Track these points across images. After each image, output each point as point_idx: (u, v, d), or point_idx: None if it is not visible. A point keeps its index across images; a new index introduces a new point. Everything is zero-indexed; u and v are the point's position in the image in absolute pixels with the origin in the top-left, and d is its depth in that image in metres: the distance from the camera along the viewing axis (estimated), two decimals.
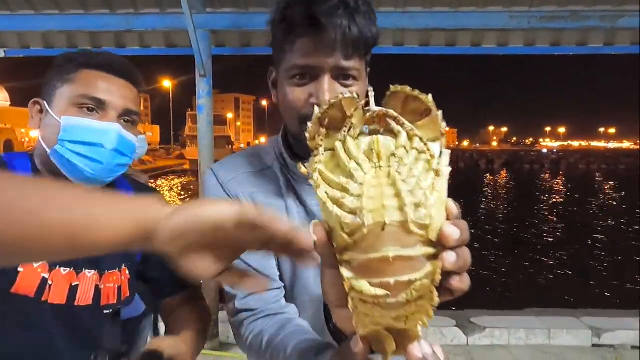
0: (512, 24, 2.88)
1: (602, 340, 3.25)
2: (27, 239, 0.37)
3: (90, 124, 0.80)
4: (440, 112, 0.35)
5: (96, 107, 0.81)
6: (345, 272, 0.34)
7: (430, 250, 0.34)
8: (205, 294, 3.42)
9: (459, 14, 2.92)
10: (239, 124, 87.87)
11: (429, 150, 0.35)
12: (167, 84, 50.48)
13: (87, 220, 0.38)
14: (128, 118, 0.86)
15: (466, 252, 0.36)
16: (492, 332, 3.30)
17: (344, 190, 0.34)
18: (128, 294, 0.87)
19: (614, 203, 15.88)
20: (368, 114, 0.36)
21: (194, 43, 2.84)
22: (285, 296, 0.80)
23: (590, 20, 2.84)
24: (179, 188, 20.63)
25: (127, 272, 0.87)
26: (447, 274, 0.35)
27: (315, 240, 0.36)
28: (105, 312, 0.82)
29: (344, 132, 0.36)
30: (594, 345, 3.24)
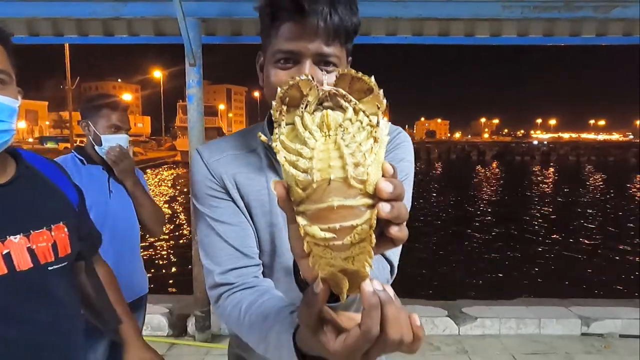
0: (505, 14, 2.87)
1: (591, 329, 3.30)
2: None
3: None
4: (381, 91, 0.43)
5: None
6: (301, 221, 0.42)
7: (369, 201, 0.41)
8: (197, 285, 3.37)
9: (452, 3, 2.89)
10: (230, 115, 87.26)
11: (370, 121, 0.42)
12: (157, 74, 49.88)
13: None
14: None
15: (401, 205, 0.42)
16: (483, 322, 3.33)
17: (299, 154, 0.42)
18: (69, 251, 0.87)
19: (602, 194, 16.08)
20: (321, 93, 0.43)
21: (183, 31, 2.78)
22: (263, 272, 0.83)
23: (583, 10, 2.83)
24: (170, 180, 20.48)
25: (66, 229, 0.87)
26: (388, 224, 0.43)
27: (276, 195, 0.43)
28: (49, 269, 0.83)
29: (302, 108, 0.43)
30: (583, 334, 3.29)
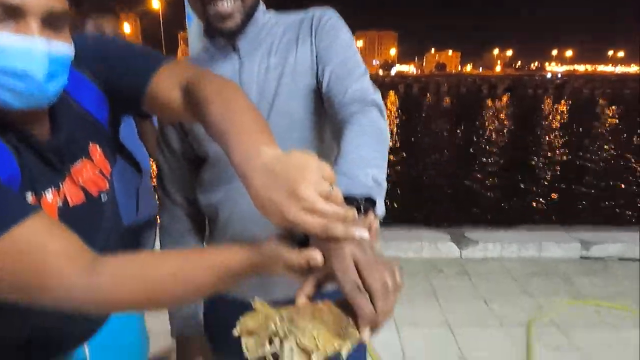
0: None
1: (591, 253, 3.38)
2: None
3: (4, 43, 0.54)
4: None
5: (7, 15, 0.55)
6: None
7: None
8: None
9: None
10: None
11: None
12: (156, 5, 47.66)
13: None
14: (55, 23, 0.59)
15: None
16: (486, 245, 3.41)
17: None
18: (110, 168, 0.77)
19: (612, 128, 15.78)
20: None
21: None
22: (216, 232, 0.96)
23: None
24: None
25: (99, 147, 0.75)
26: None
27: None
28: (103, 200, 0.75)
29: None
30: (582, 257, 3.37)
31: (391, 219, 4.03)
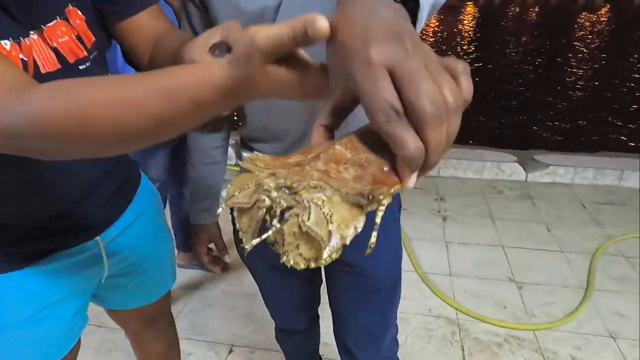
0: None
1: None
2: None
3: None
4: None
5: None
6: None
7: None
8: None
9: None
10: None
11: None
12: None
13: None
14: None
15: None
16: (556, 169, 3.13)
17: None
18: (93, 38, 0.71)
19: None
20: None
21: None
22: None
23: None
24: None
25: (80, 12, 0.68)
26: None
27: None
28: (81, 67, 0.69)
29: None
30: None
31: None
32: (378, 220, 0.30)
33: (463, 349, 1.77)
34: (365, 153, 0.33)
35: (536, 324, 1.89)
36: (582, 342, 1.80)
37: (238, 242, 1.05)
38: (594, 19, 19.11)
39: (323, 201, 0.29)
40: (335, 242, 0.29)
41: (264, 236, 0.31)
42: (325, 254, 0.29)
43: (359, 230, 0.29)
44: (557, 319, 1.91)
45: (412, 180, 0.30)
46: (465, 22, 16.75)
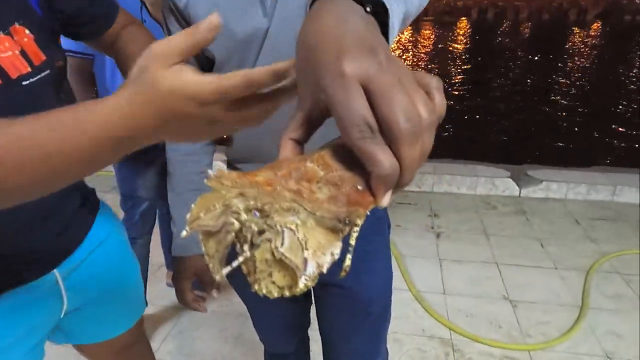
0: None
1: None
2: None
3: None
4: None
5: None
6: None
7: None
8: None
9: None
10: None
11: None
12: None
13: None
14: None
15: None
16: (549, 185, 3.13)
17: None
18: (44, 57, 0.69)
19: None
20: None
21: None
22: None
23: None
24: None
25: (28, 31, 0.68)
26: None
27: None
28: (24, 83, 0.66)
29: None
30: None
31: (447, 153, 3.80)
32: (353, 242, 0.28)
33: None
34: (339, 171, 0.31)
35: (531, 344, 1.86)
36: None
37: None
38: (584, 34, 19.47)
39: (297, 225, 0.27)
40: (311, 270, 0.27)
41: (234, 264, 0.29)
42: (300, 284, 0.26)
43: (336, 257, 0.27)
44: (552, 339, 1.88)
45: (386, 199, 0.29)
46: (459, 38, 16.97)
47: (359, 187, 0.29)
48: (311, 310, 1.14)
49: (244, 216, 0.28)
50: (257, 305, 1.07)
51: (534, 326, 1.96)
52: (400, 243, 2.56)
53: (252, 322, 1.13)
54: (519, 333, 1.92)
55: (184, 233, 0.31)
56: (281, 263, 0.27)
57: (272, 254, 0.27)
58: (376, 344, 1.04)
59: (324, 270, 0.27)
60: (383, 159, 0.27)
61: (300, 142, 0.33)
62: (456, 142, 5.71)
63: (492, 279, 2.28)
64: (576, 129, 6.80)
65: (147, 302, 1.88)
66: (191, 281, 0.96)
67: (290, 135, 0.33)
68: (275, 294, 0.28)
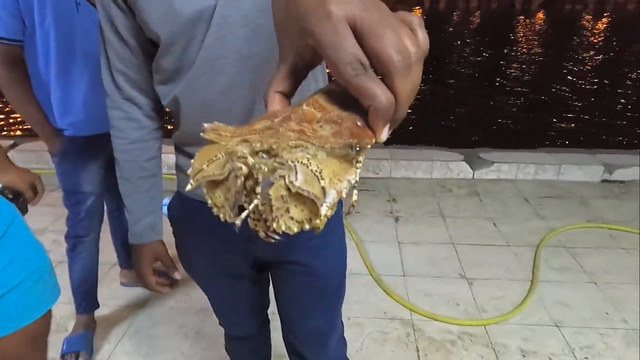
0: None
1: (613, 177, 3.19)
2: None
3: None
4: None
5: None
6: None
7: None
8: None
9: None
10: None
11: None
12: None
13: None
14: None
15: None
16: (500, 166, 3.25)
17: None
18: None
19: None
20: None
21: None
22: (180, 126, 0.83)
23: None
24: None
25: None
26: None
27: None
28: None
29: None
30: (603, 181, 3.20)
31: (403, 140, 3.85)
32: (357, 177, 0.28)
33: (418, 350, 1.78)
34: (335, 111, 0.31)
35: (486, 319, 1.93)
36: (529, 334, 1.86)
37: (182, 253, 0.98)
38: (529, 22, 20.33)
39: (308, 159, 0.27)
40: (332, 197, 0.27)
41: (251, 206, 0.29)
42: (322, 211, 0.27)
43: (353, 182, 0.28)
44: (505, 312, 1.96)
45: (385, 133, 0.30)
46: None
47: (359, 124, 0.30)
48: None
49: (251, 160, 0.28)
50: (217, 290, 1.05)
51: (488, 301, 2.04)
52: (360, 229, 2.58)
53: (212, 307, 1.11)
54: (475, 309, 1.99)
55: (189, 187, 0.30)
56: (298, 197, 0.27)
57: (288, 189, 0.27)
58: (333, 318, 1.05)
59: (344, 195, 0.28)
60: (380, 92, 0.28)
61: (287, 96, 0.34)
62: (412, 128, 5.82)
63: (449, 259, 2.34)
64: (523, 112, 7.11)
65: (99, 303, 1.82)
66: (151, 265, 0.96)
67: (276, 88, 0.33)
68: (295, 229, 0.28)
